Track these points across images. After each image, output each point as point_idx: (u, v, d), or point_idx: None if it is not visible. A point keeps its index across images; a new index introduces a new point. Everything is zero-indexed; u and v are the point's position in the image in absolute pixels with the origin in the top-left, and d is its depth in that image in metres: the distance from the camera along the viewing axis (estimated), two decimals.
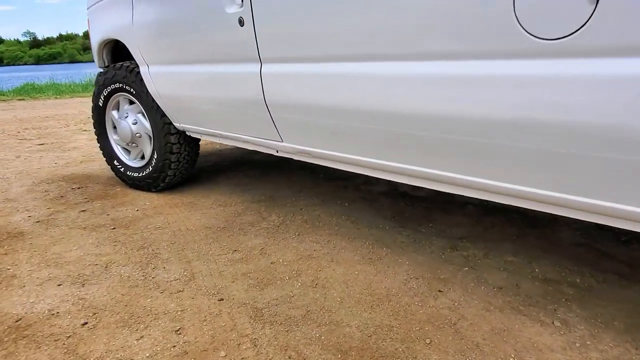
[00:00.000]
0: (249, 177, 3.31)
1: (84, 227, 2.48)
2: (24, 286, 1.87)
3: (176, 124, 2.68)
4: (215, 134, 2.42)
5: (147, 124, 2.84)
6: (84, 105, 8.78)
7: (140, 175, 2.95)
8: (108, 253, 2.16)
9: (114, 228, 2.46)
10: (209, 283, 1.86)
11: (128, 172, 3.03)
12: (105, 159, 3.19)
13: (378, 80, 1.44)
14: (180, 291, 1.80)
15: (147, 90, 2.70)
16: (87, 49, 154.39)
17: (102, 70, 3.20)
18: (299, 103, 1.74)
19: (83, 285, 1.87)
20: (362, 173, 1.77)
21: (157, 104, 2.69)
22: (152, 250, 2.18)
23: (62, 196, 3.03)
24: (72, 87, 11.82)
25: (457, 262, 1.97)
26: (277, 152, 2.11)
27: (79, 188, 3.19)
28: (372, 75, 1.45)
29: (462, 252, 2.07)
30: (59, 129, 5.94)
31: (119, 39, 2.74)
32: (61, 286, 1.87)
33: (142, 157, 3.01)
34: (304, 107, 1.73)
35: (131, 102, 2.94)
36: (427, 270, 1.91)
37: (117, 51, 3.16)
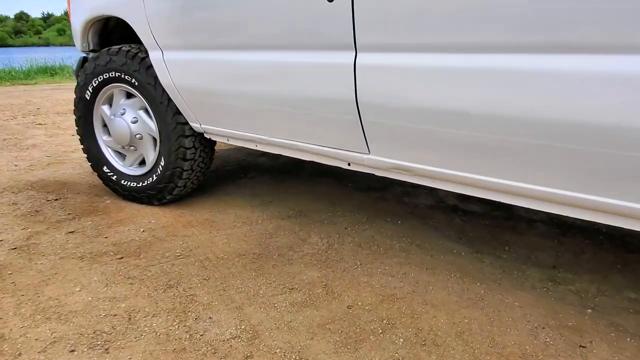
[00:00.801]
0: (263, 185, 2.83)
1: (80, 257, 1.93)
2: (19, 355, 1.34)
3: (194, 124, 2.16)
4: (253, 139, 1.94)
5: (152, 124, 2.30)
6: (30, 94, 7.82)
7: (140, 185, 2.41)
8: (126, 296, 1.64)
9: (121, 257, 1.93)
10: (281, 341, 1.40)
11: (123, 182, 2.47)
12: (90, 164, 2.61)
13: (555, 78, 1.04)
14: (248, 357, 1.34)
15: (156, 82, 2.17)
16: (19, 32, 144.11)
17: (85, 55, 2.61)
18: (410, 106, 1.32)
19: (107, 350, 1.36)
20: (499, 200, 1.37)
21: (168, 98, 2.16)
22: (184, 290, 1.69)
23: (37, 211, 2.43)
24: (11, 73, 10.60)
25: (573, 302, 1.62)
26: (350, 164, 1.67)
27: (56, 200, 2.59)
28: (548, 72, 1.05)
29: (568, 286, 1.73)
30: (7, 122, 5.13)
31: (117, 15, 2.18)
32: (75, 353, 1.35)
33: (142, 163, 2.47)
34: (417, 111, 1.31)
35: (129, 96, 2.38)
36: (546, 314, 1.55)
37: (105, 32, 2.58)
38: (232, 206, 2.50)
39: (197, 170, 2.37)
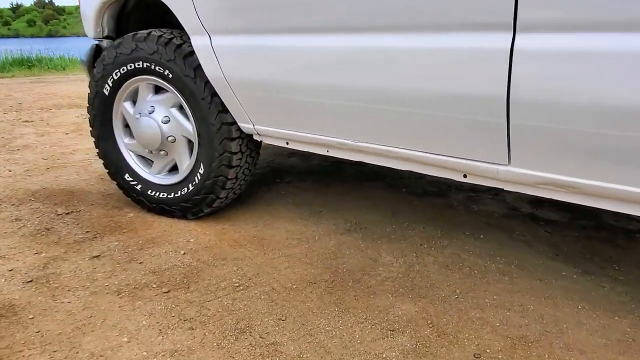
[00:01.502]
0: (306, 192, 2.48)
1: (117, 291, 1.56)
2: None
3: (244, 125, 1.80)
4: (328, 142, 1.59)
5: (188, 124, 1.93)
6: (9, 88, 7.23)
7: (173, 196, 2.03)
8: (190, 348, 1.29)
9: (168, 291, 1.57)
10: None
11: (150, 192, 2.09)
12: (107, 170, 2.21)
13: None
14: None
15: (196, 74, 1.79)
16: None
17: (97, 42, 2.21)
18: (587, 104, 1.00)
19: None
20: None
21: (212, 94, 1.80)
22: (260, 336, 1.34)
23: (47, 229, 2.03)
24: None
25: None
26: (466, 176, 1.34)
27: (67, 213, 2.20)
28: None
29: None
30: None
31: None
32: None
33: (173, 170, 2.09)
34: (599, 112, 0.99)
35: (158, 90, 2.00)
36: None
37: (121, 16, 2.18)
38: (279, 219, 2.14)
39: (241, 179, 2.01)
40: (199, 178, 1.94)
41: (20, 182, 2.67)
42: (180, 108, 1.95)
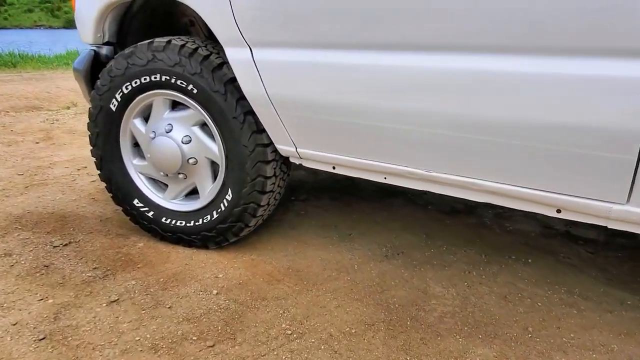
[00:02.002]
0: (327, 211, 2.31)
1: (152, 347, 1.34)
2: None
3: (284, 147, 1.60)
4: (390, 170, 1.42)
5: (213, 145, 1.71)
6: None
7: (193, 225, 1.81)
8: None
9: (212, 345, 1.36)
10: None
11: (164, 220, 1.85)
12: (112, 195, 1.96)
13: None
14: None
15: (227, 90, 1.58)
16: None
17: (94, 49, 1.94)
18: None
19: None
20: None
21: (246, 112, 1.59)
22: None
23: (46, 266, 1.77)
24: None
25: None
26: (560, 211, 1.21)
27: (65, 245, 1.92)
28: None
29: None
30: None
31: None
32: None
33: (191, 194, 1.87)
34: None
35: (175, 106, 1.76)
36: None
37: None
38: (308, 245, 1.96)
39: (272, 204, 1.81)
40: (226, 205, 1.73)
41: None
42: (203, 126, 1.73)
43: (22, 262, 1.78)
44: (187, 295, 1.59)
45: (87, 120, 1.89)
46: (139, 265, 1.77)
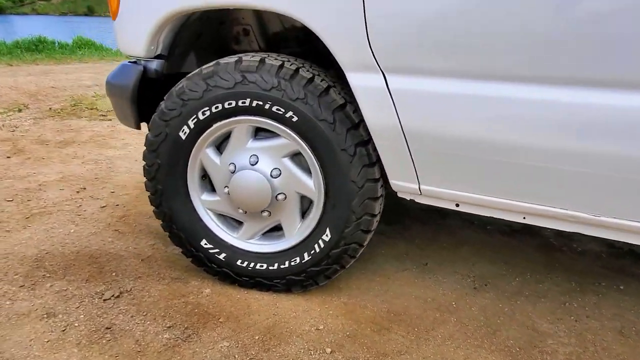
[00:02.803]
0: (388, 237, 2.15)
1: None
2: None
3: (402, 183, 1.42)
4: (543, 213, 1.29)
5: (307, 179, 1.50)
6: None
7: (277, 268, 1.59)
8: None
9: None
10: None
11: (239, 262, 1.62)
12: (171, 234, 1.68)
13: None
14: None
15: (336, 118, 1.38)
16: None
17: (143, 63, 1.65)
18: None
19: None
20: None
21: (357, 144, 1.40)
22: None
23: (108, 327, 1.47)
24: None
25: None
26: None
27: (117, 296, 1.63)
28: None
29: None
30: None
31: (280, 11, 1.33)
32: None
33: (270, 232, 1.64)
34: None
35: (256, 133, 1.53)
36: None
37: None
38: (392, 280, 1.80)
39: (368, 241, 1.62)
40: (322, 246, 1.53)
41: (1, 244, 1.96)
42: (292, 157, 1.51)
43: (76, 324, 1.48)
44: (298, 356, 1.38)
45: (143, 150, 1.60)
46: (220, 320, 1.53)
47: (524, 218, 1.35)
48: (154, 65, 1.67)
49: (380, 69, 1.25)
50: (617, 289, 1.81)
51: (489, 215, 1.42)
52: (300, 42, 1.79)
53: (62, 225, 2.16)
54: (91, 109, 4.70)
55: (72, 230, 2.10)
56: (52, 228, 2.12)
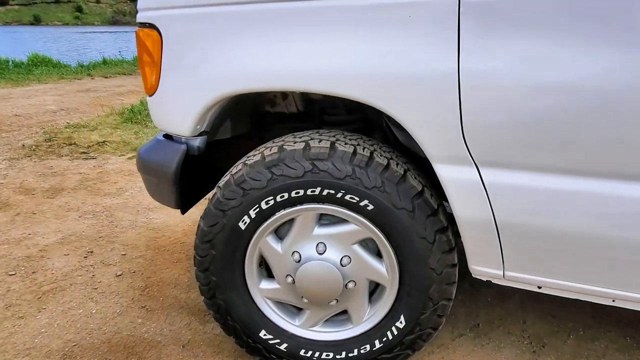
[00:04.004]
0: None
1: None
2: None
3: (485, 269, 1.36)
4: (632, 298, 1.26)
5: (380, 266, 1.41)
6: None
7: (345, 356, 1.50)
8: None
9: None
10: None
11: (303, 352, 1.51)
12: (224, 326, 1.55)
13: None
14: None
15: (415, 206, 1.30)
16: None
17: (186, 143, 1.53)
18: None
19: None
20: None
21: (439, 230, 1.32)
22: None
23: None
24: None
25: None
26: None
27: None
28: None
29: None
30: None
31: (364, 101, 1.23)
32: None
33: (332, 318, 1.54)
34: None
35: (320, 217, 1.43)
36: None
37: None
38: (453, 350, 1.74)
39: None
40: (396, 333, 1.45)
41: (18, 335, 1.77)
42: (362, 243, 1.42)
43: None
44: None
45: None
46: None
47: (613, 301, 1.32)
48: (197, 142, 1.54)
49: (474, 162, 1.18)
50: None
51: (574, 298, 1.38)
52: (348, 110, 1.70)
53: (80, 304, 1.98)
54: (69, 144, 4.42)
55: (94, 311, 1.93)
56: (70, 309, 1.94)
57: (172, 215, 2.86)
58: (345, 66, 1.20)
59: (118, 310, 1.94)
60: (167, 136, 1.63)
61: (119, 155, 4.10)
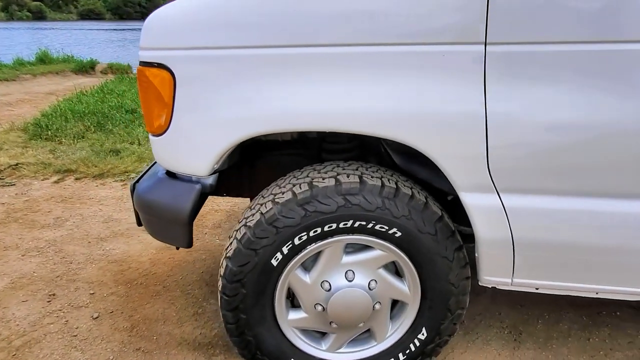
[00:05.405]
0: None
1: None
2: None
3: (496, 278, 1.52)
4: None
5: (403, 285, 1.53)
6: None
7: None
8: None
9: None
10: None
11: None
12: None
13: None
14: None
15: (437, 229, 1.43)
16: None
17: (198, 182, 1.51)
18: None
19: None
20: None
21: (456, 248, 1.47)
22: None
23: None
24: None
25: None
26: None
27: None
28: None
29: None
30: None
31: (392, 138, 1.32)
32: None
33: (354, 339, 1.62)
34: None
35: (346, 249, 1.50)
36: None
37: None
38: (453, 349, 1.91)
39: None
40: (418, 345, 1.57)
41: None
42: (385, 267, 1.52)
43: None
44: None
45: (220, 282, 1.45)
46: None
47: (597, 293, 1.57)
48: (210, 180, 1.52)
49: (496, 190, 1.33)
50: (615, 315, 2.17)
51: (564, 294, 1.60)
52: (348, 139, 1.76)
53: (64, 355, 1.84)
54: None
55: None
56: None
57: (130, 244, 2.72)
58: (384, 109, 1.28)
59: (112, 357, 1.83)
60: (170, 173, 1.58)
61: (42, 180, 3.74)
